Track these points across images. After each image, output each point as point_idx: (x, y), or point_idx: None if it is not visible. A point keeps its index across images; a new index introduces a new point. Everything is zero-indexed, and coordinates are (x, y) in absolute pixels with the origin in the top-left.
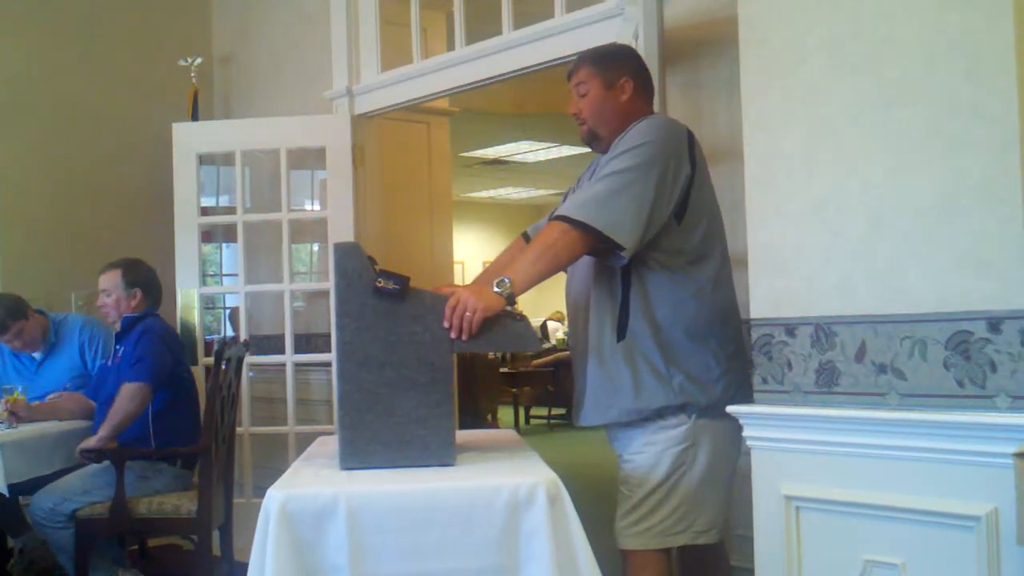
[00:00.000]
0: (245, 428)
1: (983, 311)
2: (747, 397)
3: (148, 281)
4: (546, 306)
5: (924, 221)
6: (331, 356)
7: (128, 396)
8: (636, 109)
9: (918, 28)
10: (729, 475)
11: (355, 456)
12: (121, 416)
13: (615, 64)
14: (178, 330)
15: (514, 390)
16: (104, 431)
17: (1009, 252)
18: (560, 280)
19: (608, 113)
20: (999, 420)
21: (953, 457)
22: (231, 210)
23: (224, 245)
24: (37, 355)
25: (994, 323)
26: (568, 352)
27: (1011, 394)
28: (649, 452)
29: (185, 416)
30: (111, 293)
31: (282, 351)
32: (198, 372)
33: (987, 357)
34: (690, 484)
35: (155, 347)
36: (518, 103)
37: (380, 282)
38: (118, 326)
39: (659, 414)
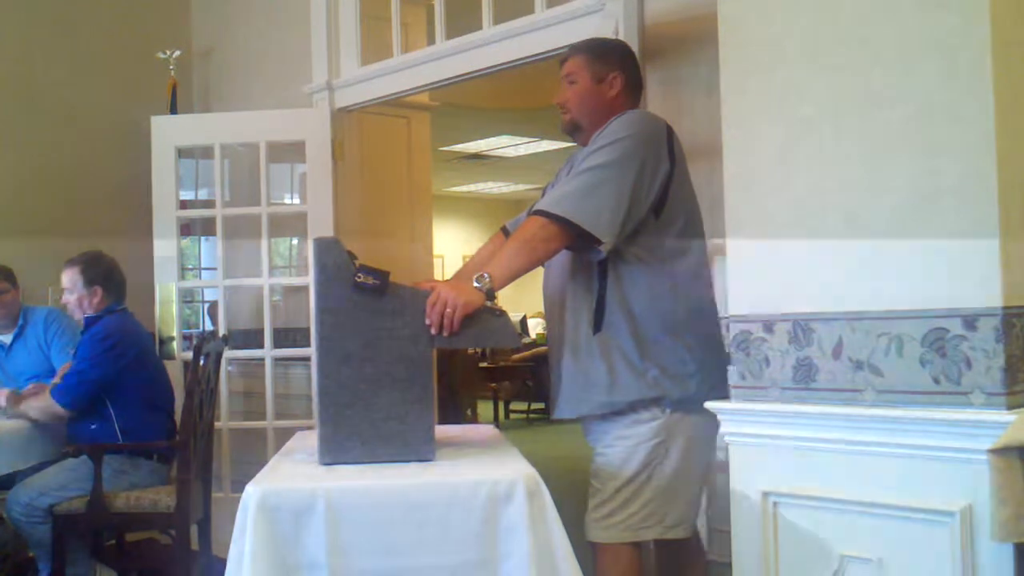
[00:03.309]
0: (224, 423)
1: (959, 309)
2: (722, 392)
3: (108, 276)
4: (525, 302)
5: (901, 220)
6: (311, 351)
7: (44, 409)
8: (622, 105)
9: (896, 30)
10: (702, 470)
11: (334, 451)
12: (35, 416)
13: (607, 58)
14: (156, 324)
15: (494, 385)
16: (21, 407)
17: (984, 251)
18: (540, 276)
19: (593, 106)
20: (974, 416)
21: (929, 453)
22: (210, 204)
23: (203, 239)
24: (5, 339)
25: (969, 320)
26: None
27: (986, 391)
28: (622, 446)
29: (156, 410)
30: (72, 291)
31: (261, 345)
32: (176, 366)
33: (962, 354)
34: (662, 479)
35: (89, 362)
36: (498, 98)
37: (360, 277)
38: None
39: (632, 407)
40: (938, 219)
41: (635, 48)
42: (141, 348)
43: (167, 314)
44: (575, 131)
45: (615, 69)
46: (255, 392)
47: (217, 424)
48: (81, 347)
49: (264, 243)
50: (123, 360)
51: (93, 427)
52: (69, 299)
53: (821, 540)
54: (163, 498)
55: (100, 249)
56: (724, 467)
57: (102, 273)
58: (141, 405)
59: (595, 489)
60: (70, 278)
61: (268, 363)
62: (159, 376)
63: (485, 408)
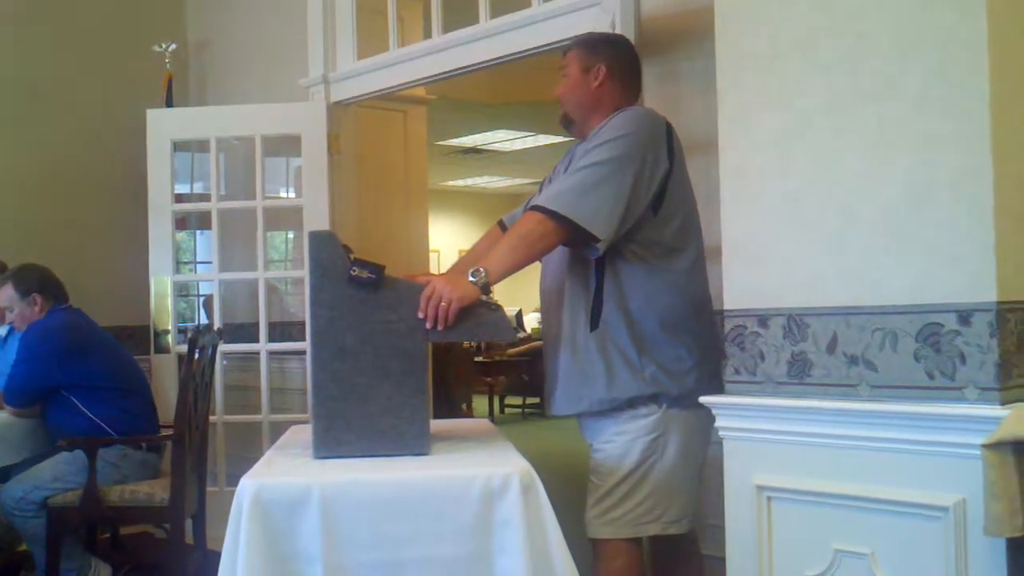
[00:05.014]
0: (219, 417)
1: (953, 303)
2: (719, 388)
3: (43, 282)
4: (521, 296)
5: (896, 215)
6: (306, 345)
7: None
8: (609, 98)
9: (892, 24)
10: (699, 465)
11: (329, 445)
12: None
13: (594, 50)
14: (151, 318)
15: (489, 379)
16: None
17: (979, 246)
18: (536, 271)
19: (580, 97)
20: (968, 411)
21: (922, 448)
22: (205, 197)
23: (198, 232)
24: (1, 331)
25: (964, 315)
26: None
27: (980, 386)
28: (619, 441)
29: (130, 393)
30: (12, 308)
31: (256, 339)
32: (171, 360)
33: (957, 349)
34: (660, 473)
35: (25, 356)
36: (495, 92)
37: (355, 271)
38: None
39: (630, 404)
40: (933, 213)
41: (631, 42)
42: (87, 338)
43: (162, 308)
44: (568, 124)
45: (600, 61)
46: (250, 386)
47: (212, 418)
48: (18, 349)
49: (260, 237)
50: (60, 353)
51: (69, 421)
52: (12, 317)
53: (815, 534)
54: (157, 492)
55: (33, 261)
56: (718, 461)
57: (35, 281)
58: (110, 392)
59: (594, 485)
60: (7, 296)
61: (263, 357)
62: (121, 361)
63: (480, 402)
